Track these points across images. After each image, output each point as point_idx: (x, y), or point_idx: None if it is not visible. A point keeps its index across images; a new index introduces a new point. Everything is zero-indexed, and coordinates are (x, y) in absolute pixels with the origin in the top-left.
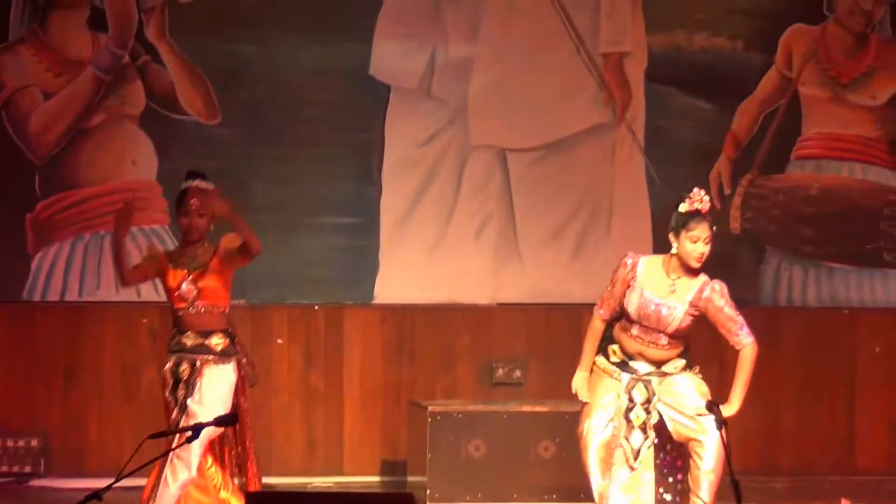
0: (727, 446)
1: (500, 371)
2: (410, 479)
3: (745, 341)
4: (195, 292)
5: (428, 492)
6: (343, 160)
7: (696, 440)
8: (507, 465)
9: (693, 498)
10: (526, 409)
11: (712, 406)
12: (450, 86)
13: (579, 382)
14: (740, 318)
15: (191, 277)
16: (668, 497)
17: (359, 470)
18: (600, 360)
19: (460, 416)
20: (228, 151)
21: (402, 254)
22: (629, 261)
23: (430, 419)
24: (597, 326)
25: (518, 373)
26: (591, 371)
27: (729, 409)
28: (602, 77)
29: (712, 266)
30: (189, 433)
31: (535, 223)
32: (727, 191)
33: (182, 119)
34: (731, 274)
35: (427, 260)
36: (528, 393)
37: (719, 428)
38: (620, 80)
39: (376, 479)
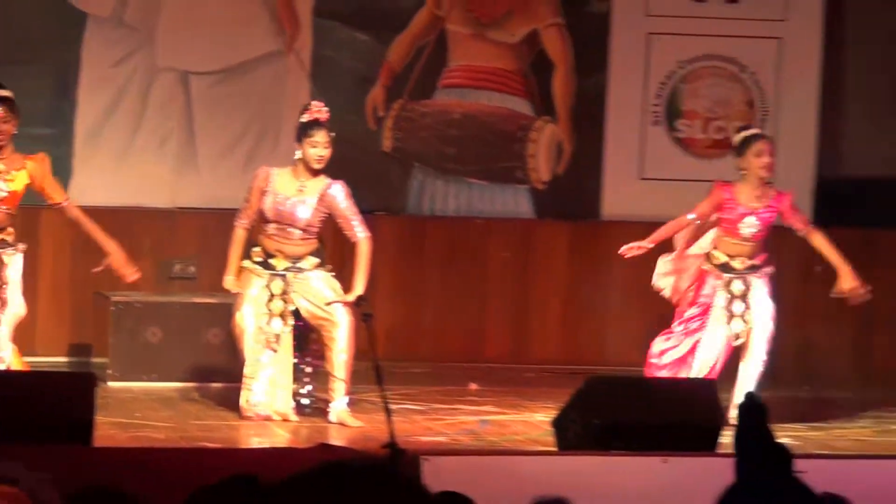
0: (373, 336)
1: (177, 267)
2: (94, 360)
3: (360, 235)
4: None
5: (109, 372)
6: (42, 78)
7: (329, 328)
8: (180, 349)
9: (332, 379)
10: (198, 300)
11: (360, 300)
12: (141, 15)
13: (229, 284)
14: (358, 217)
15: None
16: (306, 381)
17: (49, 352)
18: (246, 261)
19: (140, 305)
20: None
21: (94, 162)
22: (261, 173)
23: (112, 308)
24: (238, 234)
25: (192, 268)
26: (241, 271)
27: (351, 296)
28: (274, 9)
29: (366, 178)
30: None
31: (212, 139)
32: (381, 114)
33: None
34: (383, 186)
35: (115, 168)
36: (201, 286)
37: (366, 320)
38: (289, 14)
39: (64, 359)
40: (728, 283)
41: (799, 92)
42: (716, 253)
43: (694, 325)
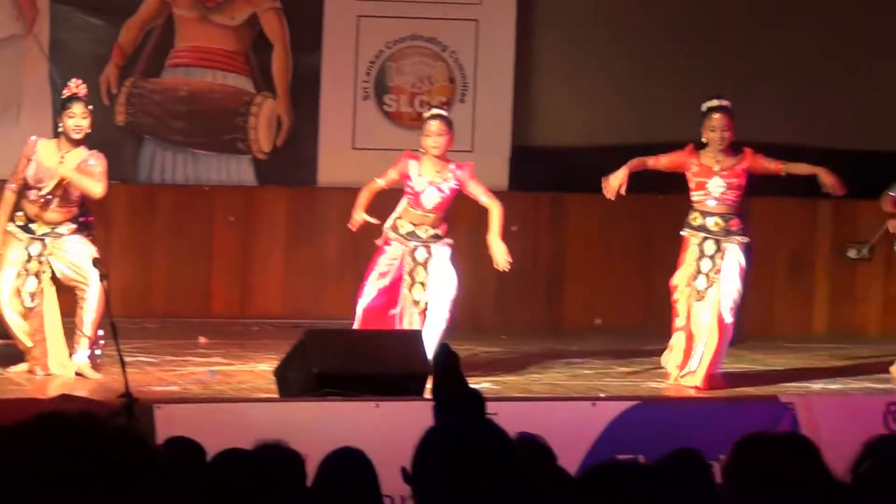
0: (107, 294)
1: None
2: None
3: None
4: None
5: None
6: None
7: (82, 289)
8: None
9: (78, 334)
10: None
11: (96, 262)
12: None
13: None
14: (105, 181)
15: None
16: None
17: None
18: (10, 225)
19: None
20: None
21: None
22: (30, 142)
23: None
24: (7, 197)
25: None
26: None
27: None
28: None
29: (101, 150)
30: None
31: None
32: (114, 90)
33: None
34: (116, 157)
35: None
36: None
37: (101, 280)
38: (28, 0)
39: None
40: (413, 251)
41: (495, 68)
42: (401, 222)
43: (383, 284)
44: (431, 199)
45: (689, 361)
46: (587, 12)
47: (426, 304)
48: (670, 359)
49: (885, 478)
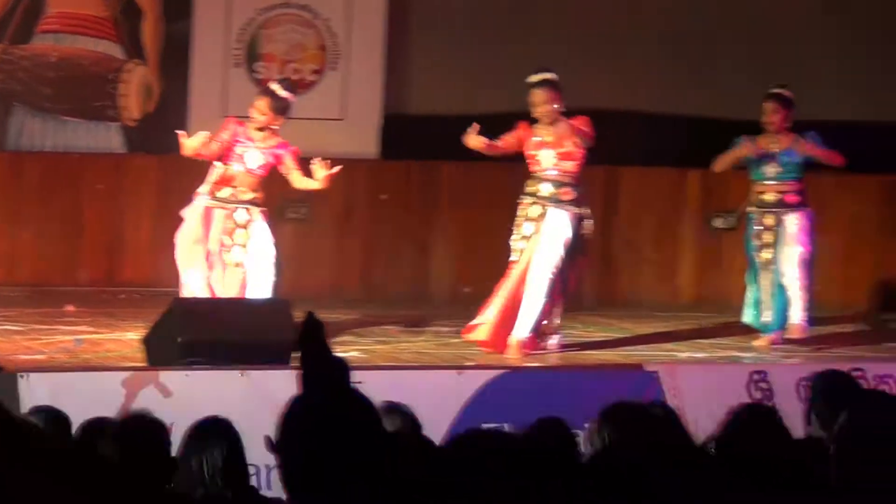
0: None
1: None
2: None
3: None
4: None
5: None
6: None
7: None
8: None
9: None
10: None
11: None
12: None
13: None
14: None
15: None
16: None
17: None
18: None
19: None
20: None
21: None
22: None
23: None
24: None
25: None
26: None
27: None
28: None
29: None
30: None
31: None
32: None
33: None
34: None
35: None
36: None
37: None
38: None
39: None
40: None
41: (367, 37)
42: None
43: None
44: (252, 161)
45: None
46: None
47: (245, 266)
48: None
49: (742, 443)
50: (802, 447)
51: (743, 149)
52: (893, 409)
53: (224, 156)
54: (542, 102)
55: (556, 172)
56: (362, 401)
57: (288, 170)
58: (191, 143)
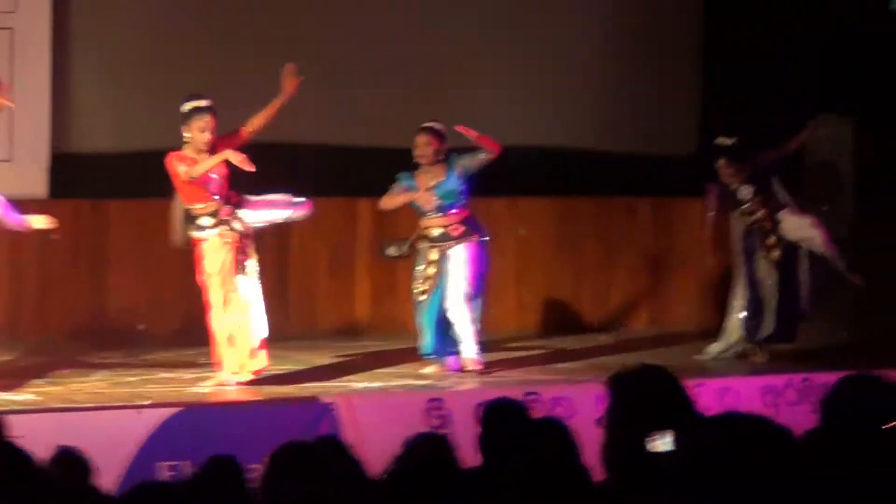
0: None
1: None
2: None
3: None
4: None
5: None
6: None
7: None
8: None
9: None
10: None
11: None
12: None
13: None
14: None
15: None
16: None
17: None
18: None
19: None
20: None
21: None
22: None
23: None
24: None
25: None
26: None
27: None
28: None
29: None
30: None
31: None
32: None
33: None
34: None
35: None
36: None
37: None
38: None
39: None
40: None
41: (32, 78)
42: None
43: None
44: None
45: None
46: (125, 20)
47: None
48: None
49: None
50: (471, 475)
51: (411, 194)
52: (559, 434)
53: None
54: (207, 129)
55: None
56: (18, 454)
57: None
58: None
